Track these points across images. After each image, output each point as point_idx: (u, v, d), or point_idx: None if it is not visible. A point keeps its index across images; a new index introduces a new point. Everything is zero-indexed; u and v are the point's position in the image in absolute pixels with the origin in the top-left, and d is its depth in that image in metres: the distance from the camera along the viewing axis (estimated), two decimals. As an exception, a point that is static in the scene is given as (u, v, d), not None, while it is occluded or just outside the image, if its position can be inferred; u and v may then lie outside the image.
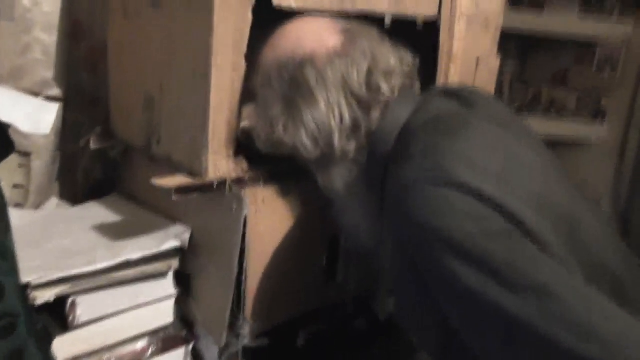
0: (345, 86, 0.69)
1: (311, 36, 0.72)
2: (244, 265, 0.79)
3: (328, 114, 0.69)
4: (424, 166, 0.61)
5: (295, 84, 0.70)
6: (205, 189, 0.74)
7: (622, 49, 1.85)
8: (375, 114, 0.71)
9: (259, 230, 0.80)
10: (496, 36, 1.12)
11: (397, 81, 0.72)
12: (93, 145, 0.97)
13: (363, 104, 0.70)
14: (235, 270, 0.79)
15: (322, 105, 0.69)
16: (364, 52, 0.71)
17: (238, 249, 0.77)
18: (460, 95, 0.73)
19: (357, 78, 0.70)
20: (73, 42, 1.05)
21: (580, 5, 1.86)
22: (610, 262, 0.64)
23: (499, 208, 0.57)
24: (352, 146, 0.71)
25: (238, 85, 0.75)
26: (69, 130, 1.05)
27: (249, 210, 0.77)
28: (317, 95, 0.69)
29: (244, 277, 0.80)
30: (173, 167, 0.81)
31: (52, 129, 1.01)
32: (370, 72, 0.71)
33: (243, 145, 0.79)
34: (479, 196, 0.57)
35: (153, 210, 0.92)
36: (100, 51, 1.04)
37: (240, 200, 0.76)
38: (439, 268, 0.57)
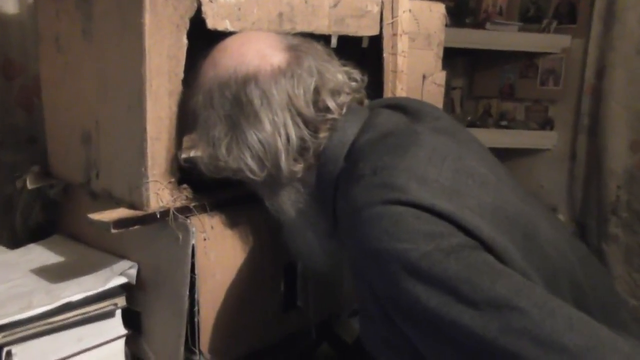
0: (291, 106, 0.67)
1: (255, 52, 0.69)
2: (196, 297, 0.75)
3: (274, 134, 0.67)
4: (374, 185, 0.59)
5: (238, 103, 0.67)
6: (147, 220, 0.71)
7: (563, 60, 1.92)
8: (323, 134, 0.69)
9: (209, 259, 0.77)
10: (439, 52, 1.14)
11: (344, 98, 0.71)
12: (30, 184, 0.93)
13: (310, 124, 0.68)
14: (186, 302, 0.75)
15: (267, 125, 0.67)
16: (310, 70, 0.68)
17: (187, 280, 0.74)
18: (406, 107, 0.73)
19: (303, 97, 0.67)
20: (5, 80, 1.01)
21: (520, 22, 1.93)
22: (569, 266, 0.64)
23: (454, 222, 0.57)
24: (299, 167, 0.69)
25: (176, 110, 0.73)
26: (4, 171, 1.00)
27: (197, 238, 0.74)
28: (262, 116, 0.66)
29: (196, 310, 0.76)
30: (114, 202, 0.78)
31: (-14, 171, 0.96)
32: (317, 91, 0.68)
33: (187, 172, 0.76)
34: (432, 212, 0.56)
35: (97, 249, 0.88)
36: (34, 88, 1.00)
37: (186, 229, 0.73)
38: (397, 291, 0.55)
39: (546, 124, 2.00)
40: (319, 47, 0.74)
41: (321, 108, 0.69)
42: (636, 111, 1.72)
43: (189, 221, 0.73)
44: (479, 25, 1.96)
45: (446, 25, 1.15)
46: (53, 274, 0.80)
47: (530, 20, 1.96)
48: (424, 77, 1.12)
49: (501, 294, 0.52)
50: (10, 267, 0.85)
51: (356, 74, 0.75)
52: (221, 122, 0.68)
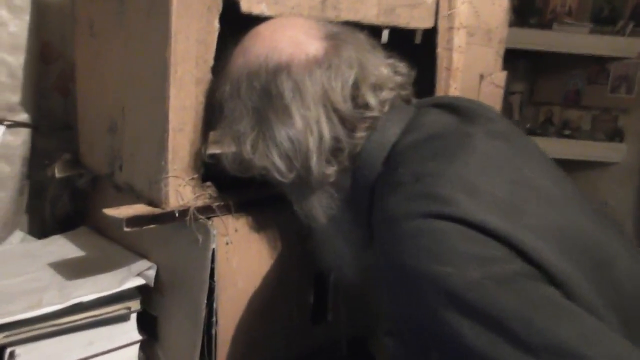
0: (327, 100, 0.59)
1: (289, 40, 0.62)
2: (214, 306, 0.69)
3: (305, 131, 0.59)
4: (415, 194, 0.51)
5: (267, 95, 0.60)
6: (164, 218, 0.65)
7: (637, 66, 1.75)
8: (361, 133, 0.61)
9: (231, 265, 0.70)
10: (500, 50, 1.03)
11: (387, 95, 0.62)
12: (58, 173, 0.89)
13: (347, 122, 0.60)
14: (203, 311, 0.69)
15: (298, 121, 0.59)
16: (349, 61, 0.61)
17: (206, 287, 0.67)
18: (459, 108, 0.63)
19: (340, 91, 0.60)
20: (43, 64, 0.98)
21: (591, 23, 1.78)
22: None
23: (510, 245, 0.47)
24: (332, 170, 0.61)
25: (203, 101, 0.67)
26: (38, 157, 0.98)
27: (218, 242, 0.67)
28: (293, 110, 0.59)
29: (214, 319, 0.70)
30: (135, 196, 0.72)
31: (19, 156, 0.94)
32: (356, 85, 0.60)
33: (212, 168, 0.70)
34: (483, 230, 0.47)
35: (121, 245, 0.83)
36: (71, 74, 0.97)
37: (206, 231, 0.66)
38: (435, 321, 0.47)
39: (615, 135, 1.83)
40: (361, 36, 0.66)
41: (360, 104, 0.61)
42: None
43: (210, 222, 0.67)
44: (545, 25, 1.81)
45: (509, 25, 1.04)
46: (69, 270, 0.76)
47: (603, 21, 1.80)
48: (481, 76, 1.01)
49: (565, 339, 0.42)
50: (29, 259, 0.82)
51: (402, 67, 0.66)
52: (248, 115, 0.61)
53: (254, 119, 0.61)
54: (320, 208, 0.64)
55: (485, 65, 1.02)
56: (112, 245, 0.84)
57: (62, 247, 0.86)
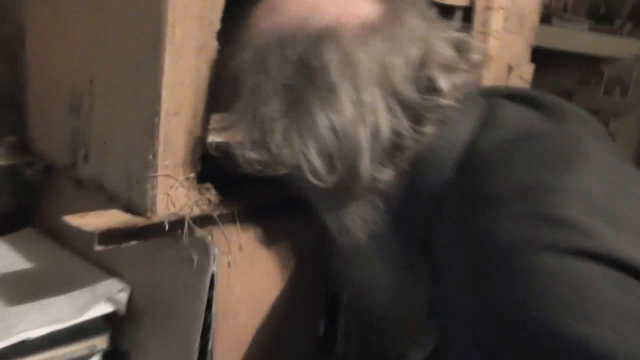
0: (385, 81, 0.45)
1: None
2: (209, 343, 0.53)
3: (356, 121, 0.44)
4: (530, 217, 0.38)
5: (305, 69, 0.46)
6: (151, 232, 0.48)
7: (633, 68, 1.69)
8: (429, 128, 0.46)
9: (232, 293, 0.54)
10: (530, 40, 0.91)
11: (461, 78, 0.48)
12: (0, 159, 0.70)
13: (411, 111, 0.46)
14: (196, 350, 0.52)
15: (348, 106, 0.44)
16: (414, 32, 0.47)
17: (200, 322, 0.51)
18: (540, 101, 0.50)
19: (403, 70, 0.45)
20: (-18, 22, 0.79)
21: (589, 21, 1.70)
22: None
23: None
24: (387, 174, 0.47)
25: (206, 76, 0.50)
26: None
27: (220, 263, 0.51)
28: (341, 92, 0.44)
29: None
30: (106, 197, 0.55)
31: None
32: (423, 63, 0.47)
33: (211, 164, 0.54)
34: (635, 273, 0.34)
35: (81, 256, 0.65)
36: (19, 39, 0.78)
37: (205, 249, 0.50)
38: None
39: (605, 140, 1.77)
40: (422, 2, 0.51)
41: (428, 89, 0.46)
42: None
43: (210, 238, 0.51)
44: (541, 20, 1.72)
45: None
46: (11, 289, 0.58)
47: (599, 19, 1.72)
48: (510, 68, 0.89)
49: None
50: (-43, 272, 0.63)
51: (476, 44, 0.52)
52: (277, 95, 0.46)
53: (285, 101, 0.46)
54: (360, 221, 0.49)
55: (515, 55, 0.90)
56: (69, 255, 0.66)
57: (1, 255, 0.67)
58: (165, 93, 0.47)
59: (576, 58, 1.72)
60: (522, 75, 0.91)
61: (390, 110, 0.45)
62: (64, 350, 0.52)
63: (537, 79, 1.91)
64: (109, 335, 0.55)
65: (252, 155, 0.47)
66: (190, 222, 0.50)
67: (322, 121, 0.44)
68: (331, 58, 0.44)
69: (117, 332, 0.58)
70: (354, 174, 0.46)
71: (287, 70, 0.45)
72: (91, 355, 0.54)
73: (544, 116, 0.48)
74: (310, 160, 0.45)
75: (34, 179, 0.74)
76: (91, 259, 0.63)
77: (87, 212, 0.49)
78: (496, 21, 0.79)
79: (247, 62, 0.47)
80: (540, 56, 1.79)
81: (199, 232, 0.50)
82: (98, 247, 0.44)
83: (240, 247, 0.54)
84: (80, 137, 0.59)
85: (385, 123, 0.45)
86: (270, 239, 0.57)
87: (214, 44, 0.51)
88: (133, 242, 0.47)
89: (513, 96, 0.52)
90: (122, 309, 0.57)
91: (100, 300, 0.56)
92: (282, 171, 0.48)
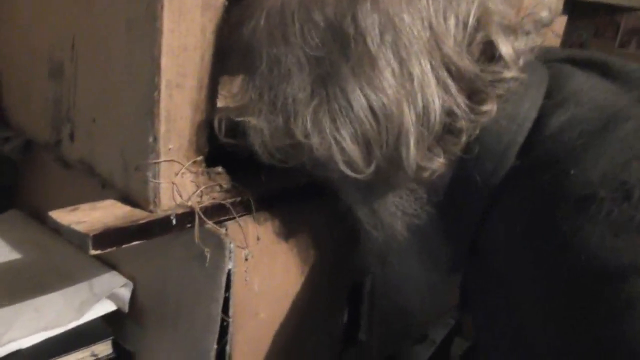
0: (435, 48, 0.37)
1: None
2: (227, 347, 0.47)
3: (400, 100, 0.36)
4: (636, 228, 0.31)
5: (338, 37, 0.37)
6: (155, 229, 0.41)
7: (651, 17, 1.59)
8: (489, 106, 0.38)
9: (251, 290, 0.48)
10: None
11: (524, 43, 0.40)
12: (-27, 136, 0.61)
13: (467, 85, 0.38)
14: (213, 356, 0.46)
15: (390, 81, 0.36)
16: None
17: (216, 324, 0.45)
18: (610, 67, 0.42)
19: (456, 34, 0.37)
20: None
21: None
22: None
23: None
24: (437, 163, 0.39)
25: (213, 39, 0.42)
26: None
27: (236, 258, 0.44)
28: (381, 62, 0.36)
29: (224, 363, 0.48)
30: (98, 182, 0.47)
31: None
32: (480, 25, 0.38)
33: (222, 146, 0.46)
34: None
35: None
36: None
37: (219, 244, 0.43)
38: None
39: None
40: None
41: (486, 57, 0.38)
42: None
43: (224, 231, 0.43)
44: (555, -35, 1.61)
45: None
46: (-3, 288, 0.50)
47: (617, -35, 1.61)
48: (541, 20, 0.80)
49: None
50: None
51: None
52: (302, 70, 0.38)
53: (313, 76, 0.38)
54: (400, 215, 0.42)
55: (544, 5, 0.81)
56: (61, 242, 0.58)
57: (-18, 244, 0.59)
58: (165, 61, 0.38)
59: (590, 8, 1.62)
60: (554, 29, 0.82)
61: (441, 85, 0.37)
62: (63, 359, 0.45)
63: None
64: (111, 341, 0.49)
65: (272, 142, 0.39)
66: (201, 214, 0.42)
67: (359, 101, 0.37)
68: (369, 21, 0.36)
69: (119, 332, 0.51)
70: (396, 164, 0.38)
71: (314, 38, 0.37)
72: (92, 363, 0.48)
73: (619, 87, 0.40)
74: (344, 148, 0.38)
75: (14, 155, 0.65)
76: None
77: (78, 205, 0.42)
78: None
79: (263, 29, 0.38)
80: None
81: (211, 226, 0.43)
82: (93, 252, 0.37)
83: (258, 239, 0.47)
84: (64, 111, 0.51)
85: (436, 101, 0.37)
86: (290, 228, 0.50)
87: (220, 1, 0.42)
88: (135, 243, 0.39)
89: (577, 61, 0.44)
90: (125, 307, 0.51)
91: (100, 297, 0.49)
92: (303, 161, 0.40)
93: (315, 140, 0.38)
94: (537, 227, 0.35)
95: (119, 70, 0.42)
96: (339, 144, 0.38)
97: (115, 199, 0.44)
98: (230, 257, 0.43)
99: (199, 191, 0.43)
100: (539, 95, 0.39)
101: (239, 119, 0.40)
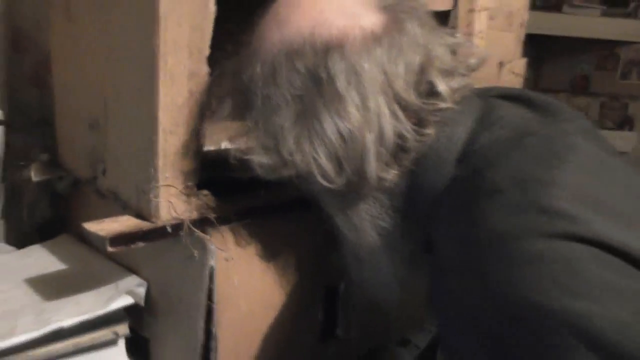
0: (388, 87, 0.49)
1: (339, 10, 0.51)
2: (213, 330, 0.61)
3: (362, 127, 0.49)
4: (524, 207, 0.42)
5: (314, 80, 0.50)
6: (155, 235, 0.56)
7: (650, 50, 1.68)
8: (430, 130, 0.50)
9: (232, 284, 0.62)
10: (521, 35, 0.95)
11: (459, 82, 0.52)
12: (35, 176, 0.80)
13: (413, 115, 0.50)
14: (201, 337, 0.60)
15: (354, 113, 0.48)
16: (414, 40, 0.50)
17: (203, 309, 0.59)
18: (531, 100, 0.54)
19: (404, 76, 0.49)
20: (15, 53, 0.89)
21: (602, 5, 1.69)
22: None
23: None
24: (392, 174, 0.51)
25: (199, 96, 0.58)
26: (13, 157, 0.88)
27: (217, 258, 0.59)
28: (347, 99, 0.49)
29: (212, 345, 0.61)
30: (121, 206, 0.63)
31: (-8, 156, 0.84)
32: (423, 70, 0.50)
33: (210, 172, 0.61)
34: (623, 255, 0.39)
35: (105, 255, 0.74)
36: (47, 64, 0.87)
37: (203, 247, 0.58)
38: None
39: (625, 123, 1.76)
40: (421, 8, 0.55)
41: (428, 93, 0.51)
42: None
43: (207, 237, 0.58)
44: (553, 7, 1.73)
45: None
46: (49, 287, 0.67)
47: (613, 3, 1.72)
48: (500, 64, 0.93)
49: None
50: (4, 273, 0.73)
51: (472, 47, 0.56)
52: (288, 105, 0.50)
53: (296, 110, 0.50)
54: (368, 219, 0.54)
55: (506, 51, 0.94)
56: (97, 256, 0.75)
57: (40, 259, 0.77)
58: (161, 114, 0.55)
59: (591, 43, 1.72)
60: (514, 70, 0.95)
61: (393, 115, 0.49)
62: (93, 335, 0.60)
63: (554, 66, 1.91)
64: (129, 323, 0.64)
65: (265, 160, 0.52)
66: (190, 224, 0.57)
67: (331, 128, 0.49)
68: (338, 69, 0.48)
69: (138, 321, 0.66)
70: (361, 175, 0.50)
71: (296, 82, 0.50)
72: (115, 340, 0.63)
73: (536, 114, 0.52)
74: (320, 164, 0.50)
75: (65, 191, 0.83)
76: (115, 259, 0.72)
77: (103, 219, 0.58)
78: (480, 22, 0.84)
79: (257, 76, 0.51)
80: (556, 44, 1.79)
81: (198, 232, 0.58)
82: (110, 249, 0.53)
83: (237, 244, 0.62)
84: (99, 153, 0.68)
85: (389, 127, 0.49)
86: (265, 236, 0.64)
87: (204, 69, 0.58)
88: (140, 244, 0.55)
89: (507, 96, 0.56)
90: (141, 301, 0.66)
91: (122, 293, 0.65)
92: (293, 175, 0.52)
93: (297, 157, 0.50)
94: (461, 214, 0.46)
95: (133, 121, 0.59)
96: (316, 161, 0.50)
97: (131, 215, 0.60)
98: (212, 256, 0.58)
99: (188, 208, 0.58)
100: (471, 121, 0.51)
101: (246, 157, 0.53)
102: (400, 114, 0.50)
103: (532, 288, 0.39)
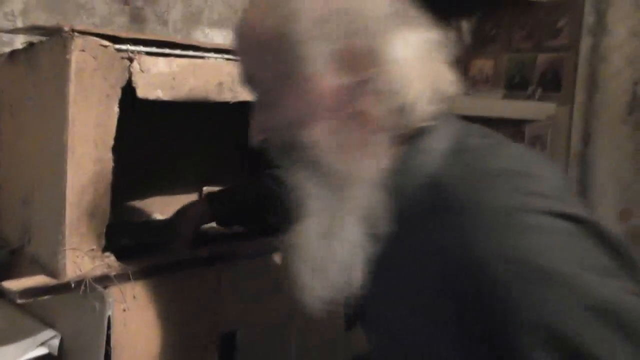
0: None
1: None
2: (112, 370, 0.72)
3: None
4: (522, 189, 0.50)
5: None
6: (59, 289, 0.70)
7: (548, 127, 1.91)
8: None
9: (128, 331, 0.74)
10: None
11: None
12: (-23, 246, 0.93)
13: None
14: (101, 376, 0.72)
15: None
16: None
17: (101, 352, 0.71)
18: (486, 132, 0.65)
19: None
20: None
21: (505, 89, 1.95)
22: None
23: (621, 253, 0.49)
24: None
25: (105, 179, 0.73)
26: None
27: (115, 309, 0.72)
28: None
29: (113, 386, 0.73)
30: (40, 267, 0.77)
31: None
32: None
33: (114, 240, 0.75)
34: (602, 236, 0.49)
35: (32, 315, 0.86)
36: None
37: (102, 299, 0.71)
38: (576, 334, 0.45)
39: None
40: None
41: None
42: (623, 179, 1.68)
43: (105, 291, 0.71)
44: (464, 92, 1.98)
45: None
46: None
47: (516, 87, 1.97)
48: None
49: None
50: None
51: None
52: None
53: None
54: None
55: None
56: (24, 315, 0.87)
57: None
58: (68, 192, 0.70)
59: (500, 123, 1.96)
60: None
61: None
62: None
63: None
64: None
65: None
66: (91, 281, 0.71)
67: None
68: None
69: (51, 371, 0.78)
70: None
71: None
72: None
73: (489, 140, 0.61)
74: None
75: (4, 258, 0.96)
76: (37, 316, 0.84)
77: (22, 278, 0.71)
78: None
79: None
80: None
81: (98, 287, 0.71)
82: (19, 300, 0.66)
83: (134, 297, 0.75)
84: (27, 225, 0.82)
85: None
86: (162, 290, 0.78)
87: (109, 156, 0.74)
88: (46, 297, 0.68)
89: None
90: (55, 351, 0.77)
91: (37, 344, 0.76)
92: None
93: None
94: (457, 192, 0.52)
95: (49, 199, 0.74)
96: None
97: (46, 275, 0.73)
98: (109, 307, 0.71)
99: (92, 267, 0.72)
100: (447, 137, 0.59)
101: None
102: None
103: (546, 256, 0.46)
